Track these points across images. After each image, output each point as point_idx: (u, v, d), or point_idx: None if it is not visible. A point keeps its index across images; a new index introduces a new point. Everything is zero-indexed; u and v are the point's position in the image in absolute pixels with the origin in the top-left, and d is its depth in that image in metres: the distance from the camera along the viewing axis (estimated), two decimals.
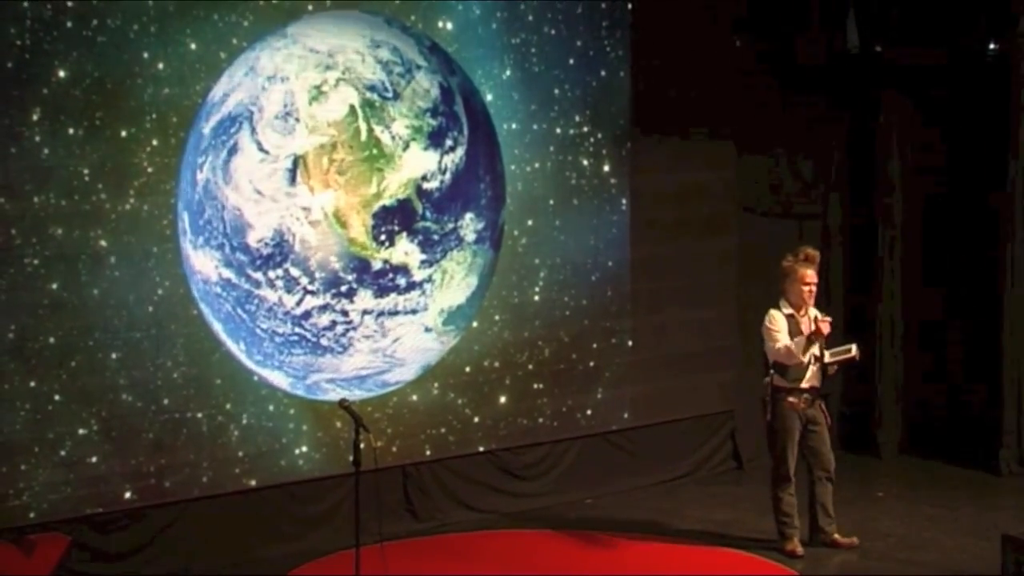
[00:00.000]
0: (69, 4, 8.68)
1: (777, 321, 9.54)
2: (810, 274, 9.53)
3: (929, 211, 12.37)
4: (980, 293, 12.04)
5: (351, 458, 8.08)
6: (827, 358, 9.54)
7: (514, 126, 10.61)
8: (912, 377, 12.43)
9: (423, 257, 10.10)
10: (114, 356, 8.97)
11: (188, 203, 9.19)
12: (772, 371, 9.57)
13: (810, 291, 9.53)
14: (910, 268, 12.40)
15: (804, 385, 9.54)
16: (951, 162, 12.26)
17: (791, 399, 9.53)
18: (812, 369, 9.54)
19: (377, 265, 9.92)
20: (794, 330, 9.52)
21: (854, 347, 9.66)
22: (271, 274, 9.50)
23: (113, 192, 8.91)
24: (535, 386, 10.83)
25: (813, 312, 9.59)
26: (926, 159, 12.35)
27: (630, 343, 11.27)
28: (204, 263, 9.28)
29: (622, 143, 11.17)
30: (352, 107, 9.75)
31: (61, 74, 8.67)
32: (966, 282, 12.18)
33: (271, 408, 9.64)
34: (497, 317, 10.62)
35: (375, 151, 9.86)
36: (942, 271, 12.31)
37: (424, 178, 10.08)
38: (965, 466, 11.84)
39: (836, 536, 9.76)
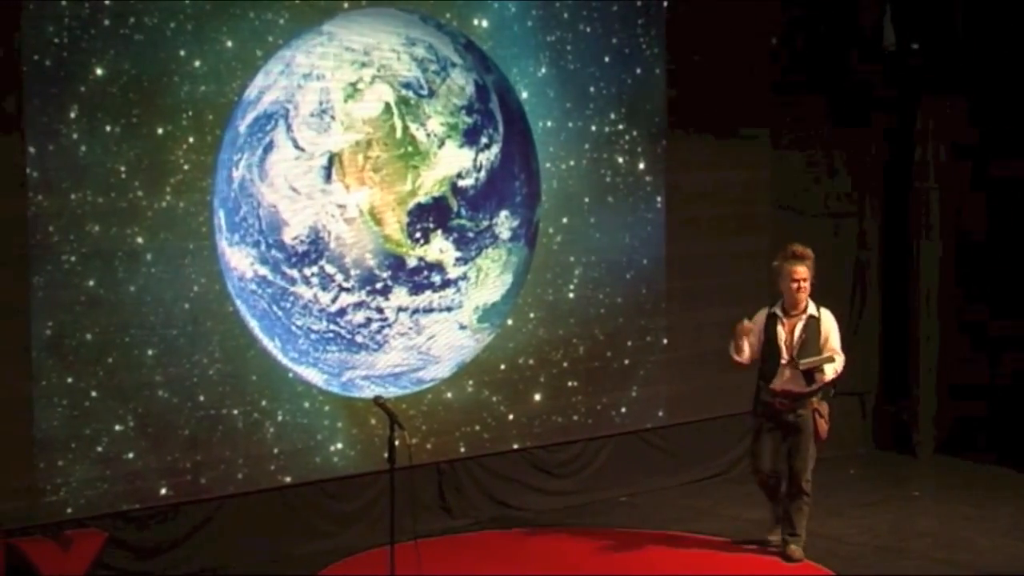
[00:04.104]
0: (107, 3, 8.71)
1: (752, 319, 9.47)
2: (799, 270, 9.33)
3: (967, 209, 12.30)
4: (1018, 292, 11.97)
5: (386, 455, 8.09)
6: (801, 364, 9.30)
7: (549, 124, 10.61)
8: (949, 376, 12.36)
9: (458, 254, 10.10)
10: (150, 353, 9.01)
11: (224, 200, 9.22)
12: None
13: (798, 287, 9.32)
14: (947, 267, 12.34)
15: (776, 387, 9.37)
16: (989, 161, 12.18)
17: (765, 398, 9.44)
18: (786, 372, 9.34)
19: (412, 262, 9.93)
20: (770, 330, 9.40)
21: (834, 357, 9.42)
22: (306, 271, 9.52)
23: (149, 189, 8.95)
24: (570, 384, 10.83)
25: (813, 313, 9.39)
26: (964, 158, 12.28)
27: (665, 341, 11.26)
28: (240, 260, 9.31)
29: (657, 141, 11.16)
30: (387, 104, 9.75)
31: (98, 72, 8.71)
32: (1004, 281, 12.11)
33: (306, 405, 9.66)
34: (532, 315, 10.62)
35: (410, 148, 9.87)
36: (980, 270, 12.24)
37: (459, 175, 10.08)
38: (1003, 466, 11.78)
39: (790, 547, 9.43)
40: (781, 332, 9.39)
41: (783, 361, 9.35)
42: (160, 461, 9.06)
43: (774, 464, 9.54)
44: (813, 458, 9.44)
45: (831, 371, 9.38)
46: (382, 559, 8.27)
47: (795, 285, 9.33)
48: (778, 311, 9.45)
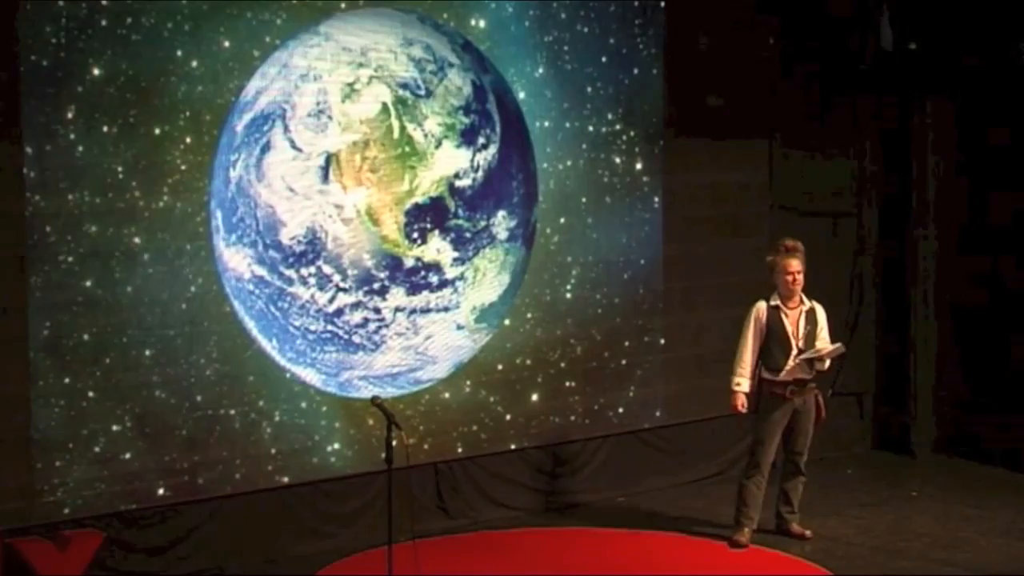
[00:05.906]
0: (104, 3, 8.71)
1: (750, 316, 9.77)
2: (793, 264, 9.74)
3: (966, 209, 12.29)
4: (1018, 294, 11.96)
5: (383, 456, 8.09)
6: (803, 354, 9.73)
7: (546, 124, 10.61)
8: (947, 376, 12.36)
9: (455, 255, 10.11)
10: (148, 353, 9.01)
11: (221, 201, 9.22)
12: (760, 363, 9.79)
13: (794, 279, 9.73)
14: (946, 268, 12.34)
15: (785, 378, 9.72)
16: (987, 161, 12.18)
17: (774, 391, 9.73)
18: (795, 362, 9.72)
19: (409, 263, 9.93)
20: (775, 322, 9.72)
21: (834, 346, 9.87)
22: (303, 271, 9.52)
23: (147, 190, 8.95)
24: (567, 384, 10.83)
25: (809, 305, 9.81)
26: (962, 157, 12.28)
27: (662, 341, 11.26)
28: (237, 260, 9.31)
29: (655, 141, 11.16)
30: (385, 105, 9.76)
31: (96, 72, 8.71)
32: (1002, 282, 12.11)
33: (303, 405, 9.66)
34: (529, 315, 10.62)
35: (408, 149, 9.87)
36: (978, 271, 12.23)
37: (457, 176, 10.08)
38: (1000, 466, 11.77)
39: (792, 525, 9.94)
40: (787, 324, 9.76)
41: (793, 352, 9.73)
42: (157, 461, 9.06)
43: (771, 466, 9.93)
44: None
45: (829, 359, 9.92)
46: (380, 559, 8.27)
47: (790, 278, 9.75)
48: (779, 303, 9.78)
